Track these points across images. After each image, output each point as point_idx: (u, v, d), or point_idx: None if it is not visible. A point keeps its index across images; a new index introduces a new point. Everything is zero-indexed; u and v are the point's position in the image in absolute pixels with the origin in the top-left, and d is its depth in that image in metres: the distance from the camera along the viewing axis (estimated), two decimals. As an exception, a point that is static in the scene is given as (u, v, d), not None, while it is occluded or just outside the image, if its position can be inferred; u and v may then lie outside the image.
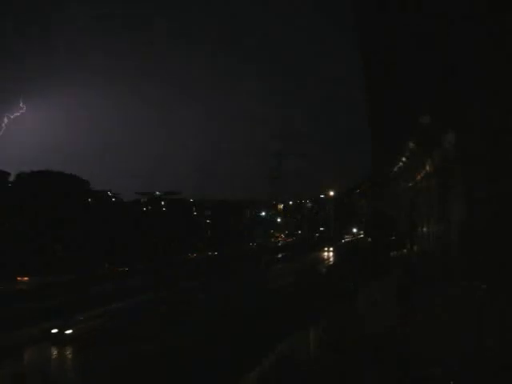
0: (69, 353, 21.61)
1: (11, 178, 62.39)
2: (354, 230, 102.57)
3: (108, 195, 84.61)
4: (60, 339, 22.46)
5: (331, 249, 69.70)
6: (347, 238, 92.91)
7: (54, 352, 21.68)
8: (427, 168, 20.21)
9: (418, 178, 24.00)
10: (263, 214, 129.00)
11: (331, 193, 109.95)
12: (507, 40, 6.76)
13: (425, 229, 24.56)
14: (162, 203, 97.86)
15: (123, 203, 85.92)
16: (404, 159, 25.62)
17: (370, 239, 62.73)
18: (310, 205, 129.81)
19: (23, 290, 33.61)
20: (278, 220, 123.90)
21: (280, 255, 67.70)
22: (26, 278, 39.99)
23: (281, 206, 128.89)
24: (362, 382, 11.91)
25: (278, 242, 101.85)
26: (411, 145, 20.40)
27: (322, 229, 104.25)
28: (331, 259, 56.79)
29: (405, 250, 32.67)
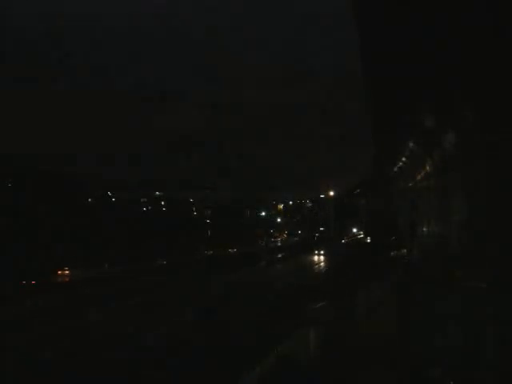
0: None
1: (11, 178, 62.39)
2: (354, 230, 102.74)
3: (108, 195, 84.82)
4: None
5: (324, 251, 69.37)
6: (345, 239, 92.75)
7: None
8: (427, 168, 20.19)
9: (418, 177, 23.99)
10: (263, 213, 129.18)
11: (331, 193, 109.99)
12: (508, 38, 6.75)
13: (425, 229, 24.56)
14: (162, 203, 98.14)
15: (123, 203, 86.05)
16: (404, 159, 25.62)
17: (368, 239, 62.79)
18: (310, 205, 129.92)
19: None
20: (278, 220, 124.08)
21: (280, 255, 67.83)
22: (67, 272, 42.16)
23: (281, 206, 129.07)
24: (361, 382, 11.92)
25: (280, 241, 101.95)
26: (411, 145, 20.39)
27: (321, 229, 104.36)
28: (331, 259, 56.86)
29: (405, 250, 32.67)
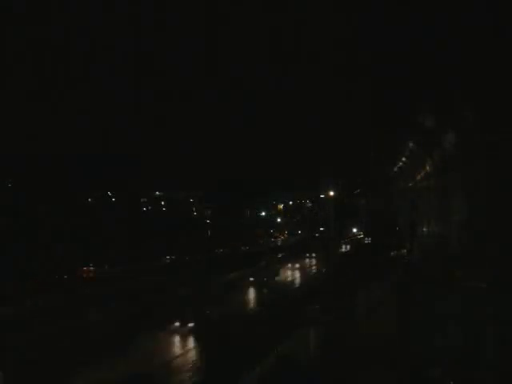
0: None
1: (11, 178, 62.38)
2: (354, 230, 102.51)
3: (108, 195, 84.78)
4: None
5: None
6: (345, 240, 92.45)
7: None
8: (427, 168, 20.21)
9: (418, 177, 24.02)
10: (263, 213, 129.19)
11: (331, 193, 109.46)
12: (508, 38, 6.75)
13: (425, 229, 24.57)
14: (162, 203, 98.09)
15: (123, 203, 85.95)
16: (404, 159, 25.65)
17: (367, 240, 62.66)
18: (309, 205, 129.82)
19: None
20: (278, 220, 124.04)
21: (280, 255, 67.86)
22: (92, 268, 42.50)
23: (281, 206, 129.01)
24: (361, 382, 11.90)
25: (280, 241, 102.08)
26: (411, 145, 20.41)
27: (321, 229, 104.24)
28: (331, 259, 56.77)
29: (405, 250, 32.68)
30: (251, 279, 39.05)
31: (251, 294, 34.67)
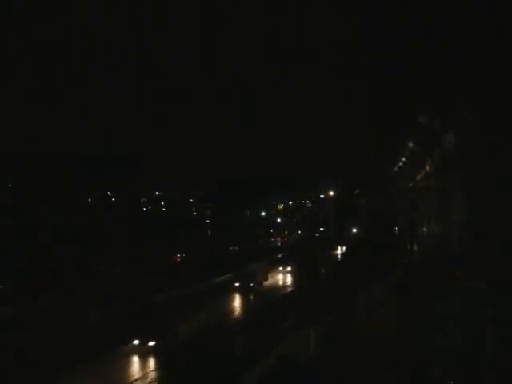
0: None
1: (11, 178, 62.35)
2: (354, 230, 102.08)
3: (108, 195, 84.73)
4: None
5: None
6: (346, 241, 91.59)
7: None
8: (427, 168, 20.21)
9: (418, 177, 24.02)
10: (263, 213, 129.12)
11: (331, 193, 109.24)
12: (508, 38, 6.75)
13: (425, 229, 24.58)
14: (162, 203, 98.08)
15: (123, 203, 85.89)
16: (404, 159, 25.65)
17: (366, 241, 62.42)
18: (309, 205, 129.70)
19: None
20: (278, 220, 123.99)
21: (280, 255, 67.89)
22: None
23: (281, 206, 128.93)
24: (361, 382, 11.89)
25: (280, 241, 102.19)
26: (411, 145, 20.42)
27: (321, 229, 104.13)
28: (334, 257, 56.83)
29: (405, 250, 32.66)
30: (251, 279, 39.12)
31: (250, 294, 34.68)
